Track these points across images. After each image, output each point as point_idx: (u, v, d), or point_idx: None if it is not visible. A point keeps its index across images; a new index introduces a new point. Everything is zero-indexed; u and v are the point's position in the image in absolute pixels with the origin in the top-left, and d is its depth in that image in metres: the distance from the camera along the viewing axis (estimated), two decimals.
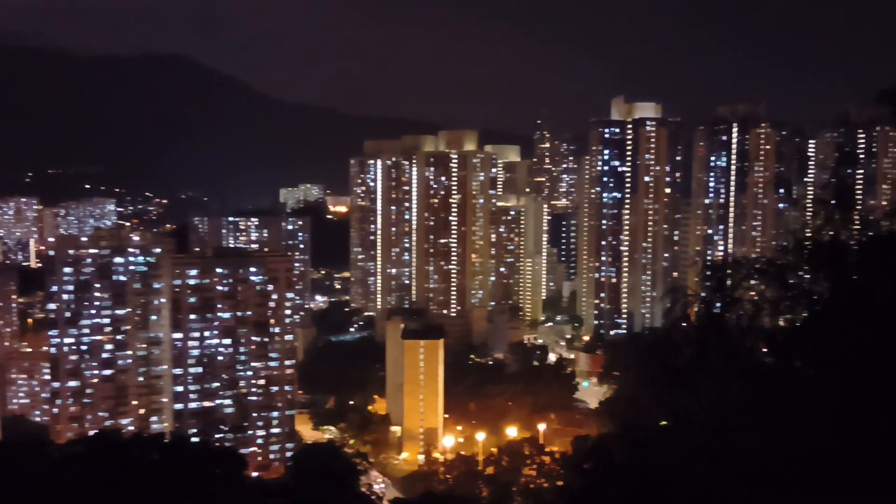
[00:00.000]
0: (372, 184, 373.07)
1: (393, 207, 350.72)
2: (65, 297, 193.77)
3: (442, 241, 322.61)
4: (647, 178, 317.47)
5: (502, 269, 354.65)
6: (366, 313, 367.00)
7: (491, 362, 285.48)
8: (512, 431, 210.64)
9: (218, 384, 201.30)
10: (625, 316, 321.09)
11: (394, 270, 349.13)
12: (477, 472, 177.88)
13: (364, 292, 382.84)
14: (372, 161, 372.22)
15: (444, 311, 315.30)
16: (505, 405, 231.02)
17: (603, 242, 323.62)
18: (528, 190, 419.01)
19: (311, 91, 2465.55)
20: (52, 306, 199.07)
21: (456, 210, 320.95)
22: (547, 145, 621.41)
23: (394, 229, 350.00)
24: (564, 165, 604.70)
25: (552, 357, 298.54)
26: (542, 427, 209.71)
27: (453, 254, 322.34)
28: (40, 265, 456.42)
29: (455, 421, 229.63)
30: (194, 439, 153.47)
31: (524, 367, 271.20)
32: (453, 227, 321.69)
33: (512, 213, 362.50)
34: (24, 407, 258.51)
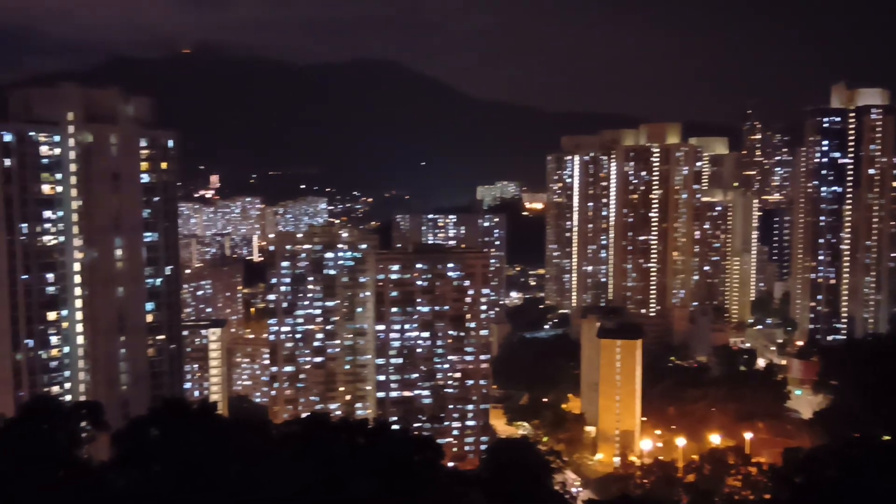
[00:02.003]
0: (569, 180, 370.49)
1: (590, 203, 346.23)
2: (283, 288, 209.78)
3: (641, 237, 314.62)
4: (871, 171, 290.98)
5: (706, 268, 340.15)
6: (560, 310, 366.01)
7: (692, 365, 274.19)
8: (715, 439, 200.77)
9: (417, 375, 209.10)
10: (844, 320, 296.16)
11: (590, 268, 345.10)
12: (676, 479, 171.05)
13: (559, 289, 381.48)
14: (569, 157, 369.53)
15: (643, 311, 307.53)
16: (706, 411, 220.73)
17: (820, 240, 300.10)
18: (735, 184, 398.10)
19: (508, 89, 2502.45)
20: (271, 297, 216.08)
21: (657, 206, 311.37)
22: (758, 136, 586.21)
23: (590, 226, 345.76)
24: (777, 158, 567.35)
25: (761, 362, 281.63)
26: (748, 436, 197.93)
27: (653, 251, 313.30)
28: (262, 259, 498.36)
29: (653, 424, 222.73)
30: (395, 427, 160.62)
31: (729, 371, 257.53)
32: (653, 224, 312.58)
33: (718, 208, 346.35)
34: (246, 388, 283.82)
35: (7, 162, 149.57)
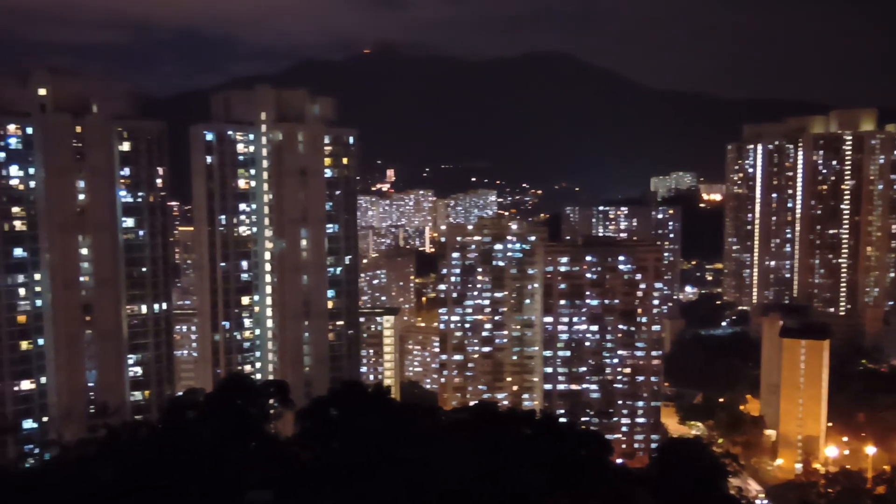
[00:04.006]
0: (750, 170, 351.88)
1: (773, 195, 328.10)
2: (453, 279, 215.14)
3: (830, 231, 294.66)
4: None
5: None
6: (739, 307, 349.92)
7: (885, 369, 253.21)
8: None
9: (585, 369, 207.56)
10: None
11: (772, 263, 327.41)
12: (863, 490, 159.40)
13: (738, 285, 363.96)
14: (751, 146, 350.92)
15: (830, 309, 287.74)
16: None
17: None
18: None
19: (685, 77, 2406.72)
20: (442, 287, 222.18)
21: (848, 197, 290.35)
22: None
23: (774, 218, 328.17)
24: None
25: None
26: None
27: (844, 246, 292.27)
28: (433, 250, 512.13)
29: (839, 430, 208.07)
30: (562, 420, 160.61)
31: None
32: (845, 217, 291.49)
33: None
34: (417, 374, 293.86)
35: (209, 159, 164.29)
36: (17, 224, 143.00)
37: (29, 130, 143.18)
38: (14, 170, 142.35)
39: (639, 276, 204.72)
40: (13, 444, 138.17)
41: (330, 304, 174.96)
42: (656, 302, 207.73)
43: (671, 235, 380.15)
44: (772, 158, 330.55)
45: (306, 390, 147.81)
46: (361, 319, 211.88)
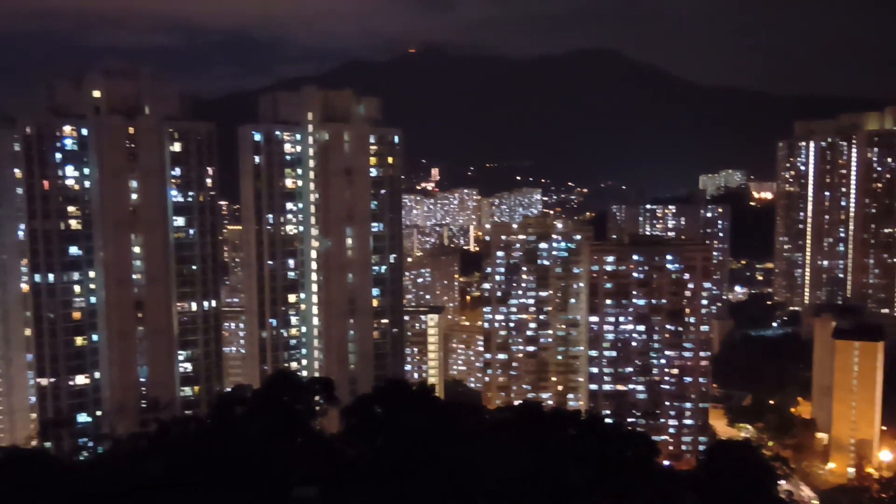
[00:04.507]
0: (802, 167, 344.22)
1: (826, 193, 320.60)
2: (497, 278, 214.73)
3: (885, 230, 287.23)
4: None
5: None
6: (790, 308, 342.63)
7: None
8: None
9: (631, 369, 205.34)
10: None
11: (825, 262, 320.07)
12: None
13: (789, 285, 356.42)
14: (803, 143, 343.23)
15: (885, 310, 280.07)
16: None
17: None
18: None
19: (734, 73, 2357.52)
20: (486, 286, 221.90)
21: None
22: None
23: (826, 217, 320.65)
24: None
25: None
26: None
27: None
28: (478, 249, 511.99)
29: (894, 434, 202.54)
30: (608, 420, 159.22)
31: None
32: None
33: None
34: (461, 373, 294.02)
35: (256, 159, 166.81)
36: (73, 223, 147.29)
37: (84, 132, 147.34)
38: (70, 170, 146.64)
39: (687, 276, 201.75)
40: (68, 437, 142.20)
41: (375, 303, 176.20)
42: (704, 302, 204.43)
43: (720, 234, 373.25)
44: (824, 155, 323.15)
45: (351, 388, 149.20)
46: (406, 318, 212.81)
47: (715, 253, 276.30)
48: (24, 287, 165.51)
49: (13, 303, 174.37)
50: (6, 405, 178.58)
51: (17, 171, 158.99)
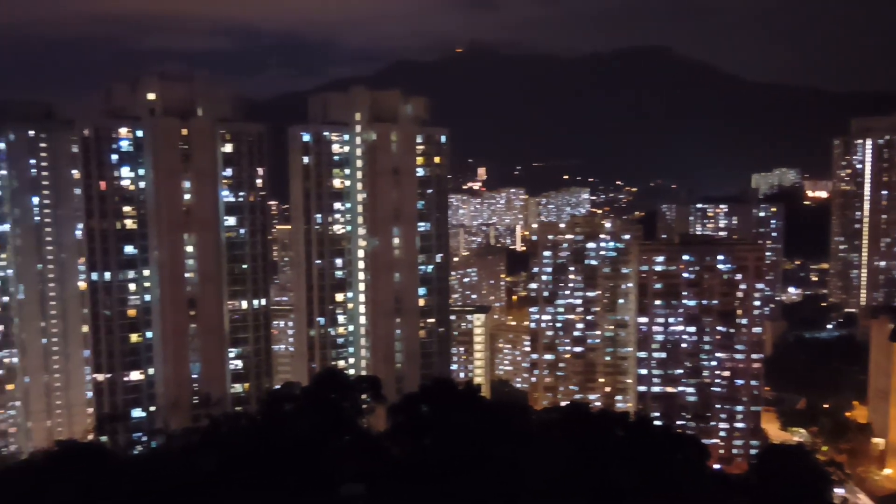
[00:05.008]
0: (859, 166, 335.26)
1: (884, 192, 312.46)
2: (544, 277, 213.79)
3: None
4: None
5: None
6: (845, 309, 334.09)
7: None
8: None
9: (681, 371, 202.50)
10: None
11: (882, 263, 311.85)
12: None
13: (845, 286, 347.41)
14: (859, 140, 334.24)
15: None
16: None
17: None
18: None
19: (788, 70, 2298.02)
20: (533, 286, 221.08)
21: None
22: None
23: (884, 216, 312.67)
24: None
25: None
26: None
27: None
28: (524, 249, 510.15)
29: None
30: (656, 422, 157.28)
31: None
32: None
33: None
34: (507, 373, 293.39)
35: (305, 159, 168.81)
36: (128, 223, 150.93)
37: (139, 133, 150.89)
38: (125, 171, 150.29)
39: (738, 276, 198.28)
40: (123, 431, 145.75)
41: (421, 302, 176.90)
42: (757, 303, 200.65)
43: (773, 234, 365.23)
44: (881, 153, 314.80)
45: (398, 386, 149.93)
46: (452, 317, 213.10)
47: (768, 253, 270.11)
48: (82, 285, 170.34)
49: (71, 300, 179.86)
50: (64, 400, 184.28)
51: (75, 172, 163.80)
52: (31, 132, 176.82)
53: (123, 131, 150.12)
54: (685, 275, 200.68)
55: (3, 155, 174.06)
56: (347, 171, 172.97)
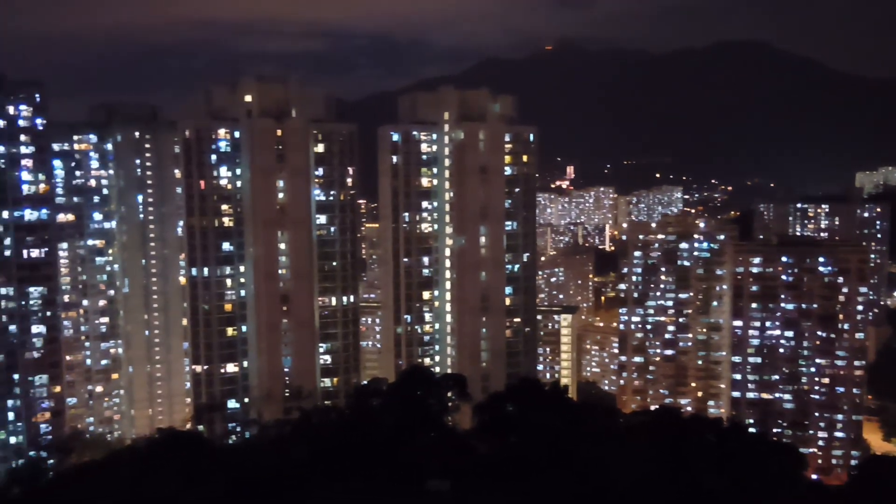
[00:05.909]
0: None
1: None
2: (634, 278, 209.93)
3: None
4: None
5: None
6: None
7: None
8: None
9: (777, 377, 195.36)
10: None
11: None
12: None
13: None
14: None
15: None
16: None
17: None
18: None
19: (893, 63, 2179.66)
20: (622, 286, 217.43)
21: None
22: None
23: None
24: None
25: None
26: None
27: None
28: (613, 248, 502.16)
29: None
30: (751, 429, 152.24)
31: None
32: None
33: None
34: (594, 375, 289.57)
35: (394, 159, 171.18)
36: (226, 220, 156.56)
37: (237, 134, 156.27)
38: (223, 170, 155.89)
39: (840, 279, 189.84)
40: (220, 421, 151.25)
41: (508, 301, 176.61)
42: (860, 307, 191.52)
43: (878, 235, 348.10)
44: None
45: (483, 385, 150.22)
46: (539, 317, 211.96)
47: (872, 255, 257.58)
48: (182, 280, 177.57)
49: (173, 294, 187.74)
50: (165, 389, 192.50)
51: (176, 171, 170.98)
52: (137, 133, 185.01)
53: (222, 132, 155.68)
54: (784, 277, 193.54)
55: (110, 155, 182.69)
56: (435, 170, 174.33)
